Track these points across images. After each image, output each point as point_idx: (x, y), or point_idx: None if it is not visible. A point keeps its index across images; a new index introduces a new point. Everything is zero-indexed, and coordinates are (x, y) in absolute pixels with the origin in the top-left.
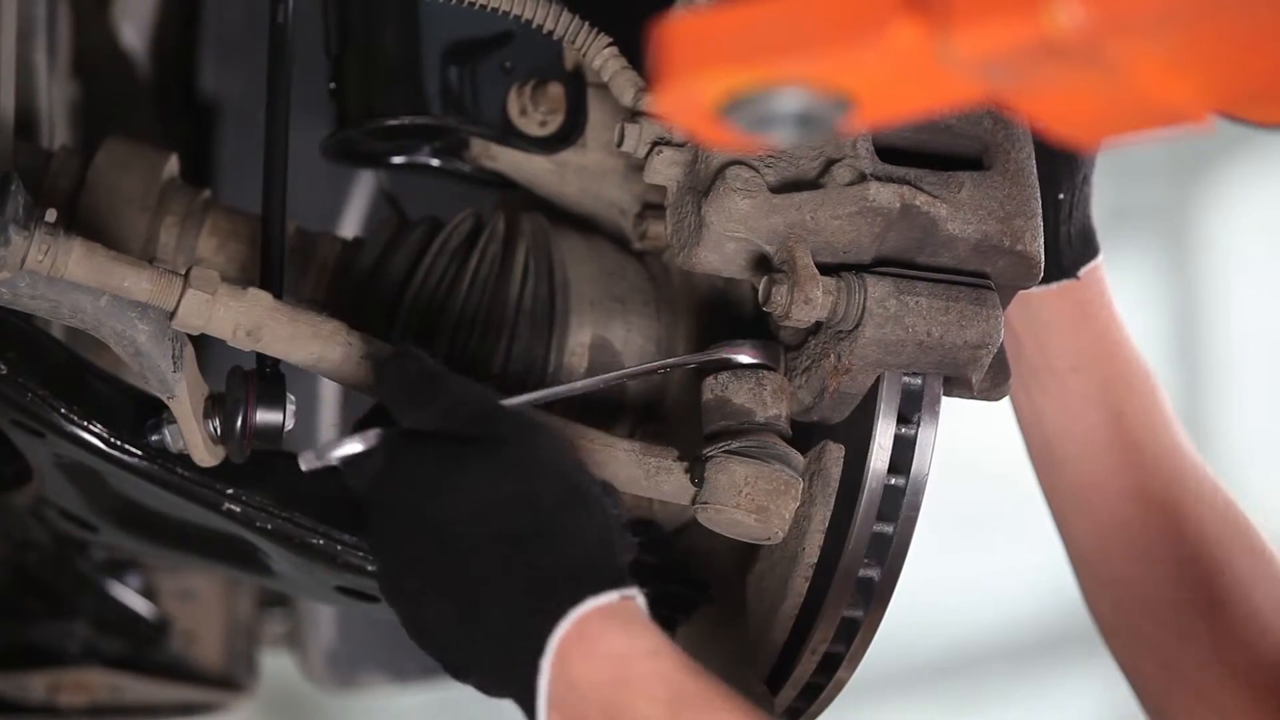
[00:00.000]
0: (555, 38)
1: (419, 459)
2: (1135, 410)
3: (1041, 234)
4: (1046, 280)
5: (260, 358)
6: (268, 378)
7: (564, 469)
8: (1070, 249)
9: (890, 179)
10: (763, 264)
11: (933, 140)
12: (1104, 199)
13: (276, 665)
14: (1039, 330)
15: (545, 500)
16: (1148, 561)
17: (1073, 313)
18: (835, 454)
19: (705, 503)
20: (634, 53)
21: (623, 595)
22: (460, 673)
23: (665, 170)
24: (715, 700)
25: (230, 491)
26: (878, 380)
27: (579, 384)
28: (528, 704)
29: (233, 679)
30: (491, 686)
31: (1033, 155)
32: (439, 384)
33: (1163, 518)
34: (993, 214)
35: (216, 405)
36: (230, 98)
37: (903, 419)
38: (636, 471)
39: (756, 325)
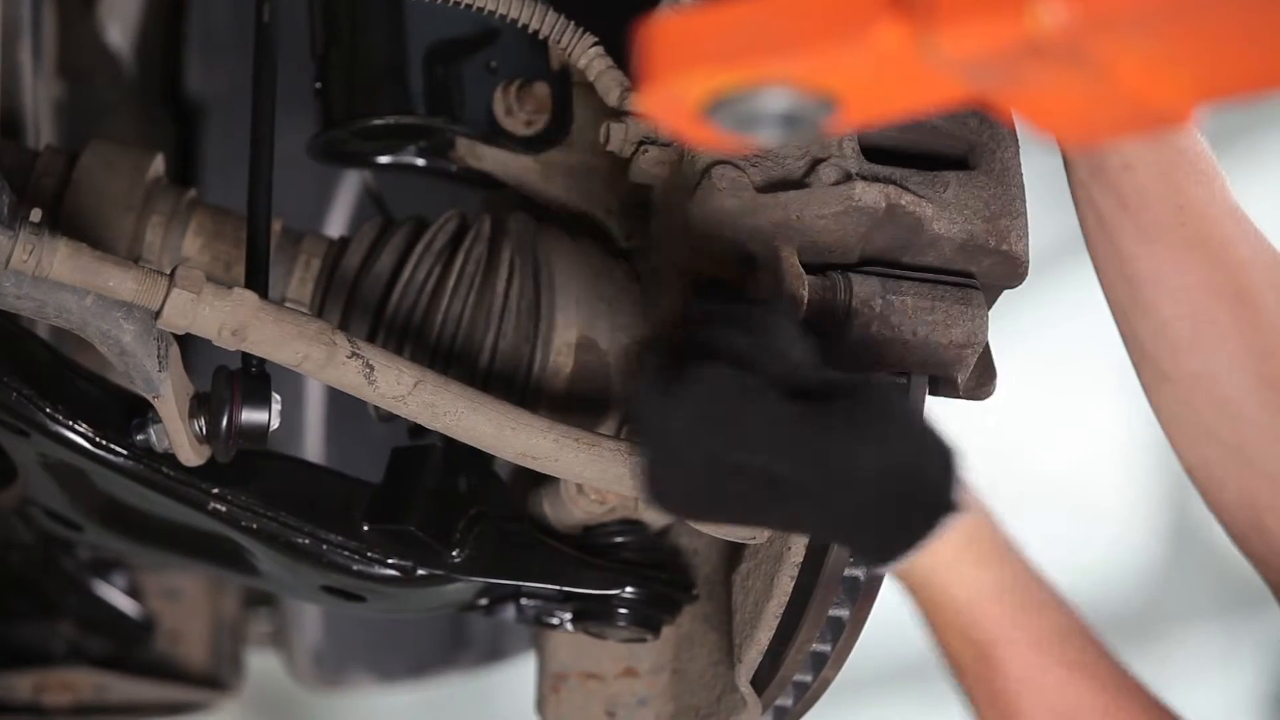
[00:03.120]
0: (541, 37)
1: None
2: (1199, 199)
3: (1028, 233)
4: None
5: (245, 357)
6: (253, 377)
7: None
8: None
9: (876, 178)
10: (749, 263)
11: (919, 140)
12: None
13: (262, 665)
14: None
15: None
16: (1219, 356)
17: None
18: None
19: None
20: (620, 52)
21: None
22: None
23: (651, 170)
24: None
25: (216, 491)
26: None
27: None
28: None
29: (218, 678)
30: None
31: (1019, 155)
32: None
33: (1235, 308)
34: (978, 214)
35: (202, 405)
36: (216, 98)
37: None
38: (622, 470)
39: None
